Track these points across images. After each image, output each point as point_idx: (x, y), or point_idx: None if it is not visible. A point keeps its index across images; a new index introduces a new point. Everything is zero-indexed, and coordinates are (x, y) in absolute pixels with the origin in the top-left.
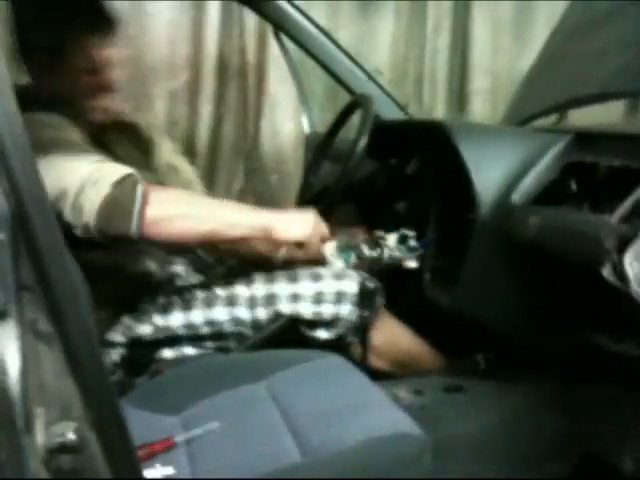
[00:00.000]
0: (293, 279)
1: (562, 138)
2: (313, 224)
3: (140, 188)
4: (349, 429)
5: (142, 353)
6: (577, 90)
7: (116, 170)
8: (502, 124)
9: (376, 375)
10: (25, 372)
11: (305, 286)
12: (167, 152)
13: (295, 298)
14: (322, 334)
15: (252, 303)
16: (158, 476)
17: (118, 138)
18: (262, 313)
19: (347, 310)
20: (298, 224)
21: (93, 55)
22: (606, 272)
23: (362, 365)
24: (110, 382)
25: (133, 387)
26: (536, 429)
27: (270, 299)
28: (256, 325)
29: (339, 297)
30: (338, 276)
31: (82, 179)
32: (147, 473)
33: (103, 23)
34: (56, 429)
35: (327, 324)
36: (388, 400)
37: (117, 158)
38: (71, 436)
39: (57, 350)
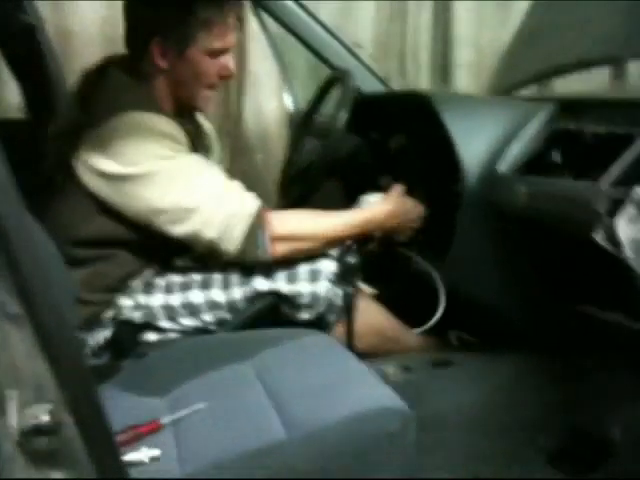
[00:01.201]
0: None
1: (546, 106)
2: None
3: (267, 234)
4: (333, 405)
5: (128, 335)
6: (559, 59)
7: (242, 209)
8: (486, 95)
9: (359, 355)
10: None
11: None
12: (217, 159)
13: (270, 276)
14: (302, 315)
15: (226, 283)
16: (144, 458)
17: (195, 141)
18: (237, 293)
19: (324, 288)
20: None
21: (221, 38)
22: (598, 237)
23: (347, 344)
24: (85, 363)
25: (119, 370)
26: (525, 402)
27: (245, 279)
28: (232, 307)
29: (314, 275)
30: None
31: (214, 226)
32: (133, 455)
33: (234, 4)
34: (30, 411)
35: (307, 305)
36: (372, 376)
37: None
38: (46, 418)
39: (27, 332)
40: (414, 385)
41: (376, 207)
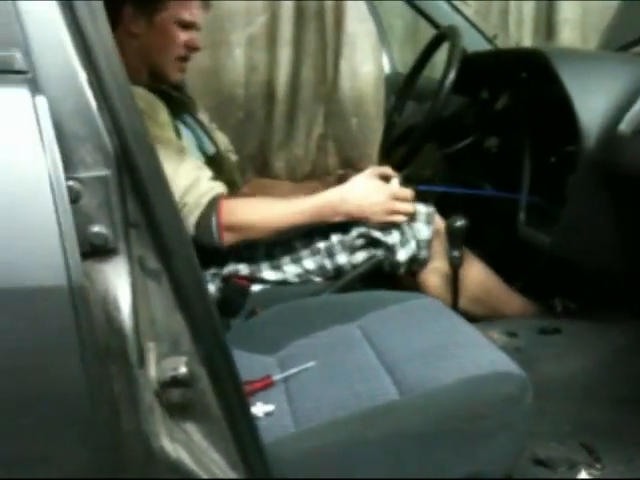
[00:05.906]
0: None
1: None
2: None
3: (215, 221)
4: (447, 368)
5: (235, 293)
6: None
7: (200, 199)
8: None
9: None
10: (136, 308)
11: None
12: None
13: (365, 225)
14: (399, 257)
15: (325, 231)
16: (259, 413)
17: (178, 114)
18: (335, 239)
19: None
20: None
21: (189, 9)
22: None
23: (453, 307)
24: (217, 317)
25: (229, 328)
26: (635, 373)
27: (342, 226)
28: (330, 252)
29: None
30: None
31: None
32: None
33: None
34: (168, 363)
35: (399, 244)
36: (485, 340)
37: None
38: (183, 370)
39: (165, 286)
40: (520, 351)
41: (330, 192)
